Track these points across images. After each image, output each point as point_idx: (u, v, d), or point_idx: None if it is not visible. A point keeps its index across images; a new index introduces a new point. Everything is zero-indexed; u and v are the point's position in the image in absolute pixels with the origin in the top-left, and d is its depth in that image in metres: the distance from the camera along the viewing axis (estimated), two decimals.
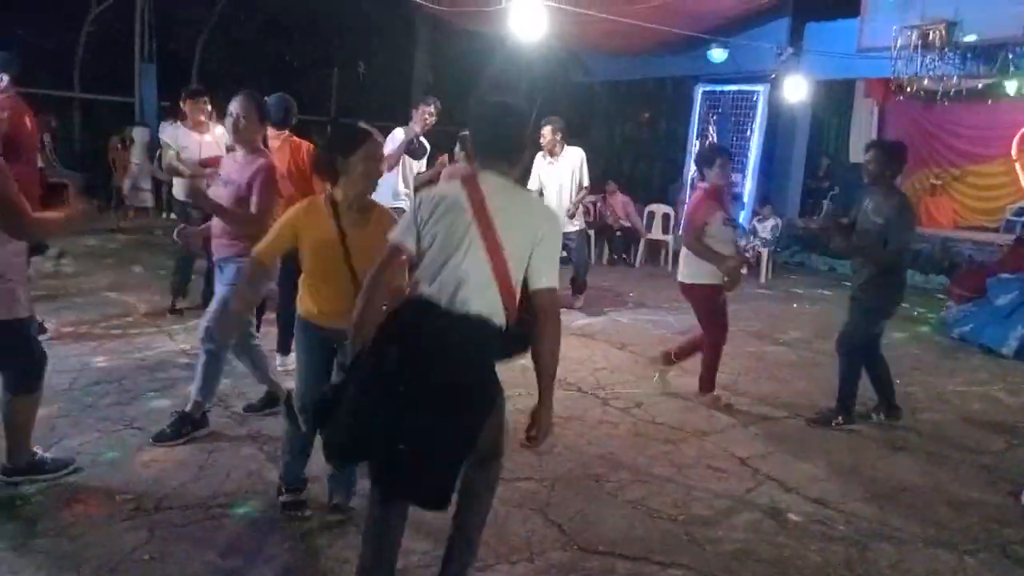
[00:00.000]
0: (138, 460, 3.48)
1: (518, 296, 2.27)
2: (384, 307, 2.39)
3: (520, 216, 2.28)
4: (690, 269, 4.67)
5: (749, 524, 3.30)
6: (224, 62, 13.62)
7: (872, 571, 2.98)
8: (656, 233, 10.53)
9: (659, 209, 10.67)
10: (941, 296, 8.38)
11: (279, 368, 4.77)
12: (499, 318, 2.25)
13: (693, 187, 4.95)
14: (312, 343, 2.96)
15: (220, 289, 3.75)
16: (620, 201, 10.54)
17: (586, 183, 7.01)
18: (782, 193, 11.37)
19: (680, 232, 4.79)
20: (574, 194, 6.97)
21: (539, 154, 7.01)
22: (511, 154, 2.36)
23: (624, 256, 10.46)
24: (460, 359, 2.19)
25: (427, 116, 5.97)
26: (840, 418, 4.52)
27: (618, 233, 10.45)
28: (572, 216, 6.90)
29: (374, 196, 2.96)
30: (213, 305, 3.78)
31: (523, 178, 5.50)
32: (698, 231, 4.52)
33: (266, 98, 4.61)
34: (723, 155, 4.75)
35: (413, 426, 2.14)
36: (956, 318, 7.28)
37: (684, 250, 4.74)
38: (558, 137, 6.92)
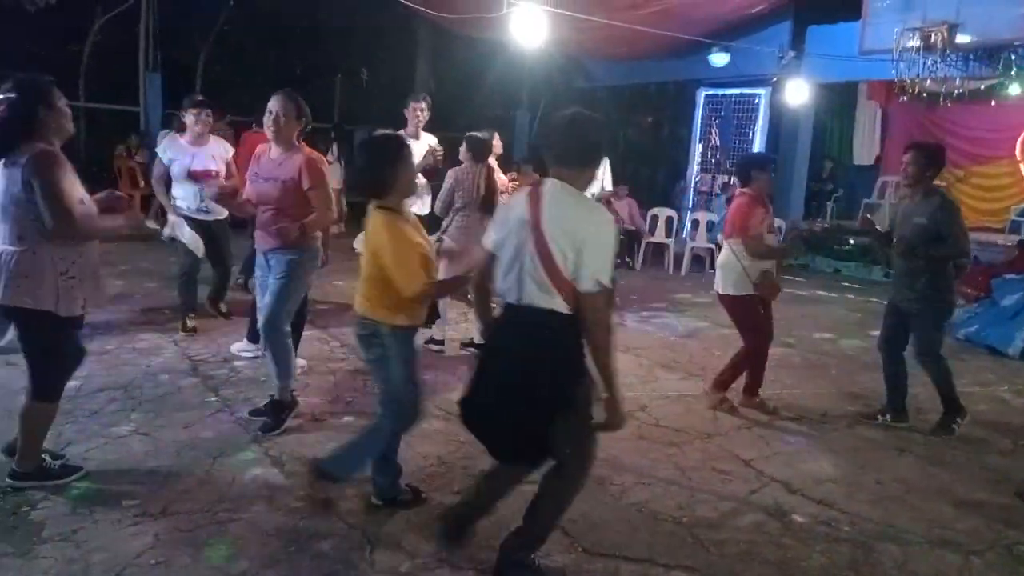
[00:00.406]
0: (144, 466, 3.49)
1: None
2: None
3: (569, 221, 2.43)
4: (726, 280, 4.62)
5: (753, 526, 3.30)
6: (228, 70, 13.70)
7: (877, 572, 2.97)
8: (659, 236, 10.54)
9: (662, 212, 10.68)
10: None
11: (245, 354, 5.10)
12: (563, 307, 2.44)
13: (727, 193, 4.89)
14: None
15: (272, 283, 3.90)
16: (626, 204, 10.57)
17: (608, 187, 7.15)
18: (785, 196, 11.36)
19: (729, 238, 4.60)
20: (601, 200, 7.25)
21: None
22: (582, 161, 2.53)
23: (628, 259, 10.47)
24: (532, 343, 2.49)
25: (418, 112, 6.05)
26: (957, 419, 4.52)
27: (622, 237, 10.45)
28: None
29: None
30: (267, 299, 3.91)
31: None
32: (758, 235, 4.49)
33: None
34: (771, 163, 4.99)
35: (508, 401, 2.51)
36: (961, 319, 7.26)
37: (721, 260, 4.70)
38: None
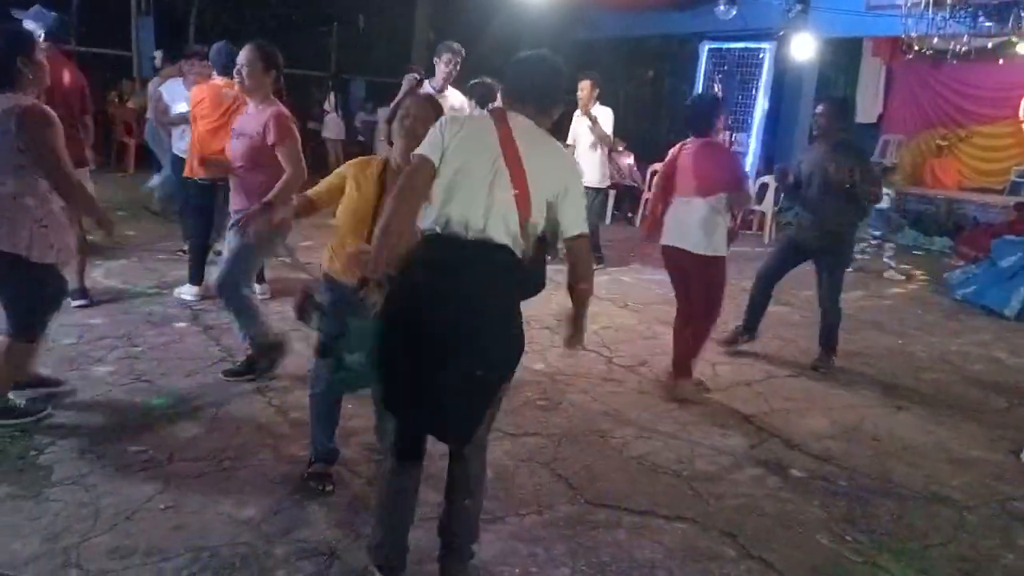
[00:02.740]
0: (150, 415, 3.51)
1: (531, 236, 2.29)
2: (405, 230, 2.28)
3: (548, 160, 2.29)
4: (711, 239, 4.07)
5: (753, 479, 3.35)
6: (221, 17, 13.39)
7: (873, 525, 3.03)
8: None
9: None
10: (947, 256, 8.35)
11: (186, 297, 5.19)
12: (519, 249, 2.26)
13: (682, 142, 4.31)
14: (334, 299, 2.88)
15: (234, 241, 3.75)
16: (626, 160, 10.48)
17: (609, 133, 7.10)
18: (787, 153, 11.26)
19: (710, 194, 4.08)
20: (603, 151, 7.12)
21: (576, 112, 7.07)
22: (541, 102, 2.35)
23: (630, 215, 10.43)
24: (489, 287, 2.23)
25: (450, 67, 5.64)
26: (832, 360, 4.86)
27: (626, 192, 10.41)
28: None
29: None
30: (227, 259, 3.83)
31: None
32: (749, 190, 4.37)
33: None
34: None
35: (451, 359, 2.17)
36: (959, 280, 7.30)
37: (700, 216, 4.07)
38: (595, 93, 6.95)
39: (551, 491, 3.10)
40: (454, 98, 5.70)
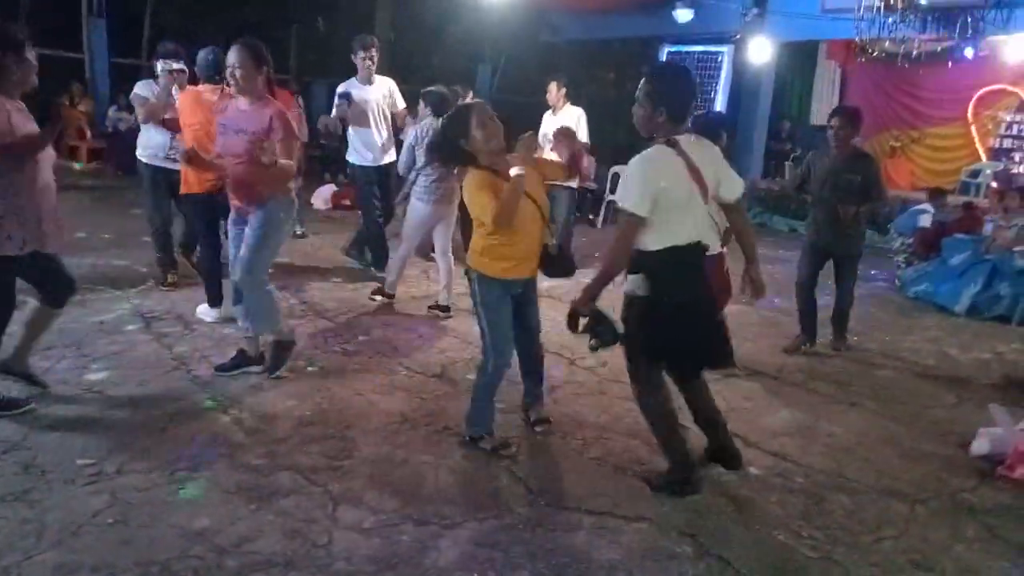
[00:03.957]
0: (98, 424, 3.42)
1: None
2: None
3: (708, 159, 3.04)
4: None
5: (711, 478, 3.37)
6: (176, 18, 13.17)
7: (828, 521, 3.07)
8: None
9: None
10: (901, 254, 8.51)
11: (207, 318, 4.98)
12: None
13: None
14: (504, 299, 3.41)
15: (249, 234, 3.85)
16: (588, 162, 10.51)
17: (585, 140, 7.10)
18: (745, 155, 11.45)
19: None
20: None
21: (546, 112, 7.26)
22: (690, 113, 3.08)
23: (592, 217, 10.48)
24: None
25: (367, 60, 6.09)
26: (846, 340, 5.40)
27: (589, 194, 10.45)
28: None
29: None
30: (243, 251, 3.86)
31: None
32: None
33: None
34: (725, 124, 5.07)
35: (712, 323, 3.15)
36: (912, 278, 7.46)
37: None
38: (562, 93, 7.13)
39: (510, 494, 3.09)
40: (383, 85, 6.16)
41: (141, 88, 5.49)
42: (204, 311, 5.04)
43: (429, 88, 5.70)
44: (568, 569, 2.63)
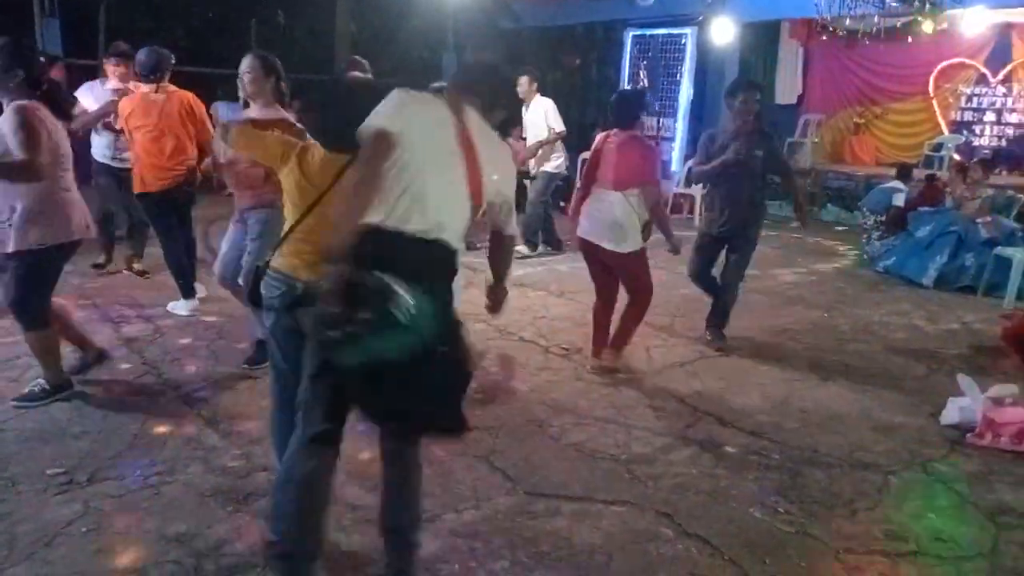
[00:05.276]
0: (68, 433, 3.36)
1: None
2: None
3: (494, 153, 2.28)
4: (624, 236, 4.13)
5: (688, 459, 3.41)
6: (133, 16, 12.88)
7: (803, 496, 3.11)
8: None
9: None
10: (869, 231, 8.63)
11: (182, 312, 5.06)
12: (460, 247, 2.27)
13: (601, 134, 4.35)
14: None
15: (250, 244, 3.92)
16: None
17: (559, 128, 7.25)
18: None
19: (625, 187, 4.11)
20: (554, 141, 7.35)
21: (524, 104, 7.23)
22: (489, 99, 2.33)
23: (563, 204, 10.46)
24: (446, 288, 2.21)
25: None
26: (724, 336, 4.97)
27: (560, 182, 10.44)
28: (533, 155, 7.36)
29: None
30: (247, 259, 3.89)
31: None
32: (660, 187, 4.24)
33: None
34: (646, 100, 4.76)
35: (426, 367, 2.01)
36: (879, 252, 7.57)
37: (616, 214, 4.13)
38: (534, 87, 7.24)
39: (489, 484, 3.10)
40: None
41: (82, 92, 5.72)
42: (179, 306, 5.07)
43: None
44: (548, 556, 2.64)
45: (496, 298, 2.57)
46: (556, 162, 7.50)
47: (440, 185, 2.13)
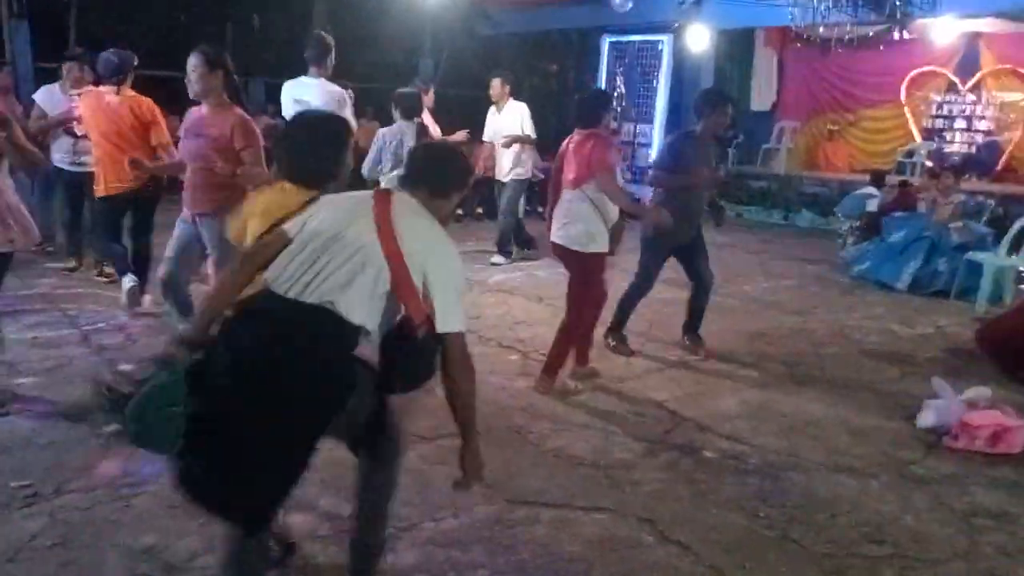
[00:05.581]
0: (33, 444, 3.27)
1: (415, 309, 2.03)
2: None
3: (418, 231, 2.07)
4: (588, 233, 4.03)
5: (667, 464, 3.39)
6: (104, 19, 12.71)
7: (783, 500, 3.11)
8: None
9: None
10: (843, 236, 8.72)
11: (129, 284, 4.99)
12: (358, 317, 2.00)
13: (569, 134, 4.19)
14: None
15: (211, 254, 3.91)
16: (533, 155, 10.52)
17: (531, 134, 7.27)
18: None
19: (582, 183, 4.03)
20: (519, 145, 7.28)
21: (491, 108, 7.42)
22: (437, 184, 2.21)
23: (540, 210, 10.46)
24: (311, 351, 1.98)
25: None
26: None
27: (536, 187, 10.44)
28: (507, 146, 7.25)
29: None
30: (210, 268, 3.97)
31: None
32: (614, 174, 4.09)
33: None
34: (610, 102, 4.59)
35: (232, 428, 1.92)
36: (854, 257, 7.65)
37: (572, 209, 4.06)
38: (506, 90, 7.26)
39: (468, 492, 3.04)
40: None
41: (41, 95, 5.88)
42: (125, 281, 5.01)
43: (402, 90, 5.66)
44: (528, 565, 2.61)
45: (467, 465, 2.18)
46: (524, 167, 7.45)
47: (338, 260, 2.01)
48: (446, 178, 2.25)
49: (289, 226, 2.10)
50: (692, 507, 3.03)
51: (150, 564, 2.49)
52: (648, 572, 2.61)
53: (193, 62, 3.75)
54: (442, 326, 2.03)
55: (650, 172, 4.77)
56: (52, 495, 2.86)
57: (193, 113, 3.95)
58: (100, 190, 4.99)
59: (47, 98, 5.82)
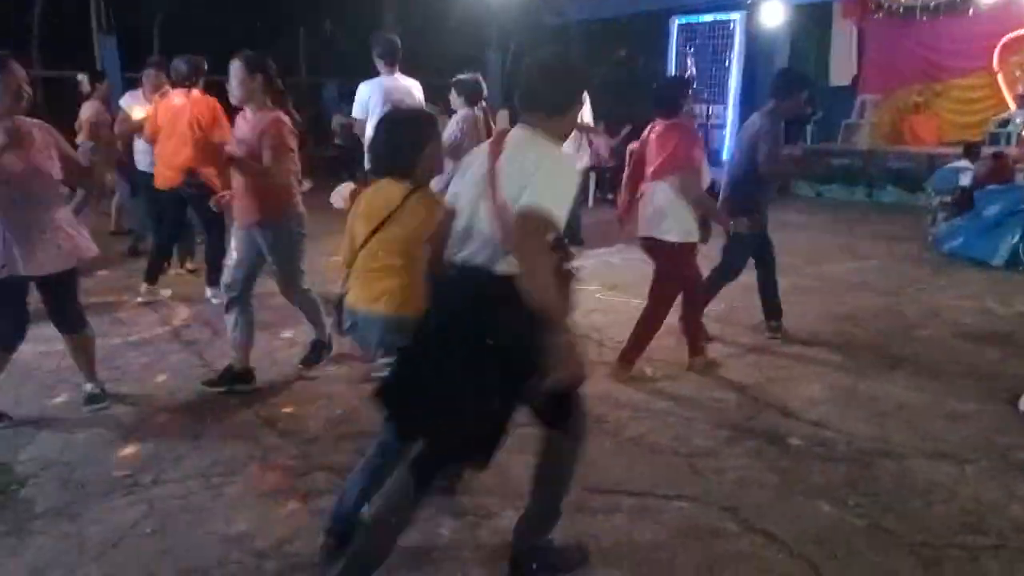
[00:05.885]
0: (133, 436, 3.44)
1: None
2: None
3: (523, 162, 2.09)
4: (678, 224, 3.93)
5: (751, 451, 3.31)
6: (185, 31, 13.24)
7: (875, 487, 2.99)
8: None
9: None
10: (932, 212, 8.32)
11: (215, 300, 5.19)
12: (505, 266, 2.07)
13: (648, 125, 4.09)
14: None
15: (275, 260, 3.92)
16: (604, 141, 10.41)
17: (588, 121, 7.25)
18: None
19: (667, 176, 3.92)
20: (577, 133, 7.11)
21: None
22: (551, 105, 2.20)
23: (611, 196, 10.38)
24: (465, 312, 2.15)
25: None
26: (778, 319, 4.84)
27: (608, 174, 10.37)
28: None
29: None
30: (278, 275, 3.99)
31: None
32: (700, 176, 3.95)
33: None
34: (690, 87, 4.45)
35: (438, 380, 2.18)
36: (945, 233, 7.28)
37: (659, 201, 3.95)
38: None
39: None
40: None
41: (125, 101, 6.26)
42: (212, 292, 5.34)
43: (460, 76, 5.59)
44: (610, 553, 2.58)
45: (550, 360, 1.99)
46: (583, 157, 7.42)
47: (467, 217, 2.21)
48: (560, 95, 2.22)
49: (444, 200, 2.37)
50: (777, 496, 2.95)
51: (241, 551, 2.58)
52: (733, 562, 2.55)
53: (233, 68, 3.72)
54: (525, 199, 1.99)
55: (763, 161, 4.33)
56: (151, 484, 3.00)
57: (238, 120, 3.93)
58: (157, 183, 5.40)
59: (131, 103, 6.21)
